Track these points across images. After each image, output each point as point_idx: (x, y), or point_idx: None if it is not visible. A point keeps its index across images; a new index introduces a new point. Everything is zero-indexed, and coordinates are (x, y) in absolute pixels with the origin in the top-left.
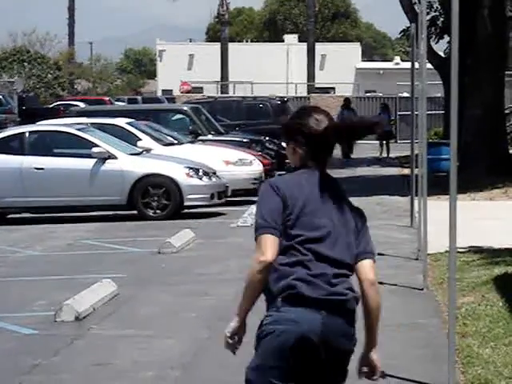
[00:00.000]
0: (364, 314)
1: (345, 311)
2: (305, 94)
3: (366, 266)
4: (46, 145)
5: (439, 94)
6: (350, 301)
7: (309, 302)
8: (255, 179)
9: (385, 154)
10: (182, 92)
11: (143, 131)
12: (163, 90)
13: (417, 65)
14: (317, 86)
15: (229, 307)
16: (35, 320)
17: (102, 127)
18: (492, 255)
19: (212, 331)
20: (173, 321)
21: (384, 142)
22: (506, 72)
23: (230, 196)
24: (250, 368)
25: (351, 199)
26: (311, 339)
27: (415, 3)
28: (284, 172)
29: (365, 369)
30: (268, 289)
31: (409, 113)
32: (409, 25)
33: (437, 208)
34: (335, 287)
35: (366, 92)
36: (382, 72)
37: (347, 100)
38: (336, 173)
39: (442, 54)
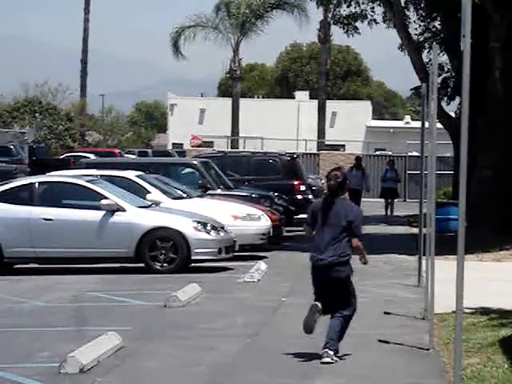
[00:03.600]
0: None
1: (331, 264)
2: (315, 150)
3: (353, 240)
4: (55, 196)
5: (449, 154)
6: (331, 261)
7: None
8: (263, 234)
9: (389, 213)
10: (192, 146)
11: (152, 184)
12: (174, 144)
13: (427, 124)
14: (327, 142)
15: (233, 363)
16: (40, 371)
17: (111, 179)
18: (499, 316)
19: None
20: (177, 375)
21: (389, 200)
22: None
23: (238, 251)
24: None
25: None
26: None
27: (427, 64)
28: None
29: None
30: None
31: (418, 172)
32: (420, 83)
33: (444, 268)
34: (325, 254)
35: (376, 150)
36: (392, 131)
37: (358, 159)
38: None
39: (453, 115)
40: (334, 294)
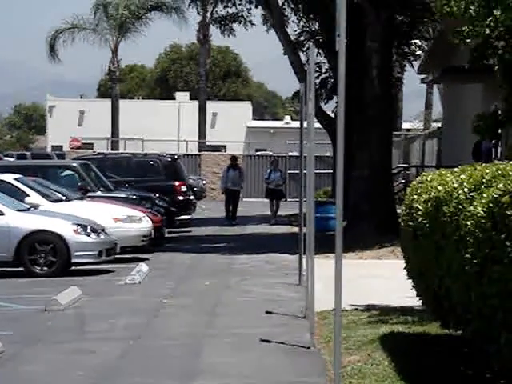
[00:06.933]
0: None
1: None
2: (196, 151)
3: None
4: None
5: (328, 154)
6: None
7: None
8: (144, 236)
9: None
10: (71, 148)
11: (31, 187)
12: (53, 146)
13: (305, 124)
14: (208, 143)
15: (115, 366)
16: None
17: None
18: (379, 314)
19: None
20: (58, 379)
21: (274, 200)
22: (394, 132)
23: (119, 253)
24: None
25: (241, 256)
26: None
27: (305, 64)
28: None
29: None
30: None
31: (298, 171)
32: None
33: (325, 266)
34: None
35: (257, 150)
36: (272, 131)
37: (234, 159)
38: (225, 230)
39: (332, 115)
40: None
